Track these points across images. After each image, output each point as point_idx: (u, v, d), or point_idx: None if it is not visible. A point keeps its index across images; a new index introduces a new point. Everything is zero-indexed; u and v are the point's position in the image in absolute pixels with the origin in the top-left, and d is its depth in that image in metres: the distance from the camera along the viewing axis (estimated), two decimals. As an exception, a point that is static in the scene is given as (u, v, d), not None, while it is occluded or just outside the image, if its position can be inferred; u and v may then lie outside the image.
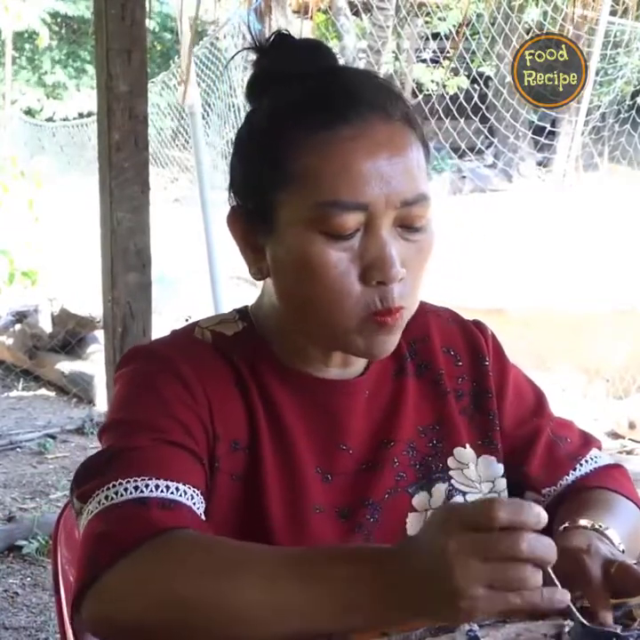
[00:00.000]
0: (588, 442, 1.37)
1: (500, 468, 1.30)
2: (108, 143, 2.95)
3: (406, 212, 1.11)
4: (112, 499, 1.07)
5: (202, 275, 5.27)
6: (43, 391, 6.29)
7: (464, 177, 11.88)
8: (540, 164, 11.88)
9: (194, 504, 1.09)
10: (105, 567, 1.02)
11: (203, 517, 1.11)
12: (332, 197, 1.09)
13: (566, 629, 1.06)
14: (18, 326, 6.53)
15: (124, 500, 1.06)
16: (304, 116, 1.12)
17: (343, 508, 1.21)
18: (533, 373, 1.47)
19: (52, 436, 5.31)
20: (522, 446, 1.33)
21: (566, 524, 1.21)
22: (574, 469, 1.34)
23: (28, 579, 3.64)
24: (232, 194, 1.20)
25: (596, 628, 1.05)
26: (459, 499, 1.26)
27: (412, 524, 1.24)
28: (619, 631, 1.05)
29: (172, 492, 1.07)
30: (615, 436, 5.20)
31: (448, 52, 9.42)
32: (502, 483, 1.30)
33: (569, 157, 8.69)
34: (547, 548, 0.90)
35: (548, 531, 0.94)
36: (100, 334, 5.46)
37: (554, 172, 10.61)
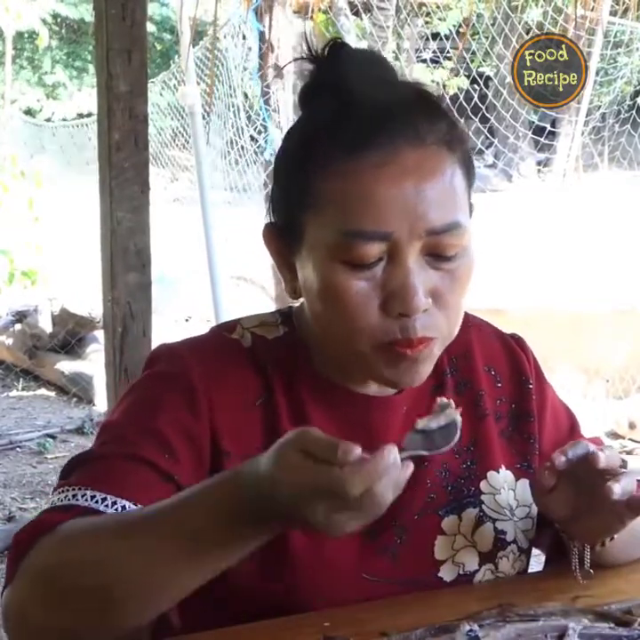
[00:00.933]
0: (594, 439, 1.37)
1: None
2: (108, 143, 2.94)
3: (436, 241, 1.08)
4: (61, 501, 1.09)
5: (202, 275, 5.26)
6: (42, 391, 6.30)
7: (464, 177, 11.88)
8: (540, 164, 11.88)
9: None
10: (15, 570, 1.04)
11: None
12: (354, 227, 1.07)
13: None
14: (18, 326, 6.54)
15: (55, 506, 1.09)
16: (329, 136, 1.09)
17: (370, 528, 1.15)
18: (533, 373, 1.46)
19: (52, 436, 5.32)
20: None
21: None
22: None
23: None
24: (269, 210, 1.19)
25: None
26: (488, 526, 1.24)
27: (440, 548, 1.22)
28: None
29: (106, 505, 1.07)
30: (615, 436, 5.21)
31: (448, 52, 9.41)
32: (536, 509, 1.27)
33: (569, 157, 8.69)
34: (391, 470, 0.90)
35: None
36: (99, 334, 5.46)
37: (554, 173, 10.61)
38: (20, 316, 6.55)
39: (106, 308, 3.04)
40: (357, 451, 0.90)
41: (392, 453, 0.90)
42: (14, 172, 7.56)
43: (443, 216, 1.08)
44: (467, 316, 1.28)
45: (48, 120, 14.60)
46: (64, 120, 14.19)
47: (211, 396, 1.15)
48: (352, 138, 1.07)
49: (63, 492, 1.09)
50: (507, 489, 1.25)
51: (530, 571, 1.32)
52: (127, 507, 1.07)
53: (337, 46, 1.15)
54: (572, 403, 1.42)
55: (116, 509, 1.07)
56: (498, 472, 1.25)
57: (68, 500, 1.08)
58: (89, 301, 5.90)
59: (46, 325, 6.37)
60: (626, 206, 7.59)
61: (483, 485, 1.25)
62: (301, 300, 1.19)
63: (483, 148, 11.20)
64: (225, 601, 1.15)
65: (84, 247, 6.54)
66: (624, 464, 1.15)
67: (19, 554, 1.05)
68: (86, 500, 1.07)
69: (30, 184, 7.56)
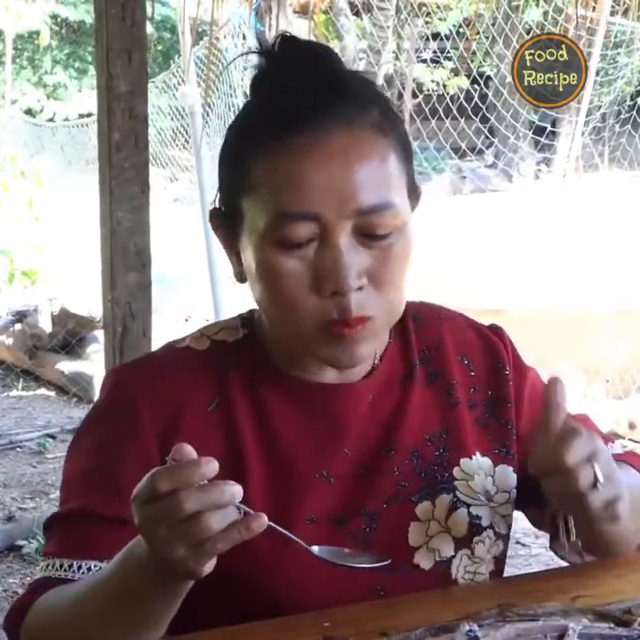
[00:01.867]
0: (603, 436, 1.37)
1: (515, 478, 1.28)
2: (109, 143, 2.95)
3: (366, 221, 1.11)
4: (42, 570, 1.19)
5: (202, 275, 5.26)
6: (42, 391, 6.30)
7: (464, 177, 11.89)
8: (540, 164, 11.88)
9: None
10: None
11: None
12: (281, 208, 1.10)
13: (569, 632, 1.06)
14: (18, 326, 6.54)
15: (40, 578, 1.18)
16: (260, 123, 1.13)
17: (338, 515, 1.20)
18: (533, 373, 1.46)
19: (52, 436, 5.32)
20: None
21: None
22: None
23: (28, 578, 3.64)
24: (216, 196, 1.22)
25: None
26: (462, 511, 1.24)
27: (414, 534, 1.22)
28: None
29: (73, 571, 1.16)
30: (615, 436, 5.20)
31: (448, 52, 9.41)
32: (515, 494, 1.28)
33: (569, 158, 8.69)
34: (214, 493, 0.95)
35: None
36: (100, 334, 5.45)
37: (554, 173, 10.61)
38: (20, 316, 6.55)
39: (106, 308, 3.04)
40: (188, 449, 0.98)
41: (209, 465, 0.96)
42: (14, 172, 7.56)
43: (372, 197, 1.11)
44: (439, 308, 1.33)
45: (50, 120, 14.60)
46: (66, 120, 14.18)
47: (158, 416, 1.19)
48: (282, 121, 1.11)
49: (44, 560, 1.20)
50: (483, 475, 1.26)
51: (530, 571, 1.32)
52: (91, 567, 1.16)
53: (285, 40, 1.18)
54: (571, 403, 1.42)
55: (83, 572, 1.16)
56: (471, 459, 1.26)
57: (49, 570, 1.18)
58: (89, 301, 5.90)
59: (46, 325, 6.37)
60: (626, 207, 7.59)
61: (456, 472, 1.25)
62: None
63: (483, 148, 11.22)
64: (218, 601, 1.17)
65: (83, 247, 6.54)
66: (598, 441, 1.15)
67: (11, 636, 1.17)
68: (56, 569, 1.17)
69: (30, 184, 7.56)
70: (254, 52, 1.19)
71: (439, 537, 1.23)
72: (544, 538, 3.36)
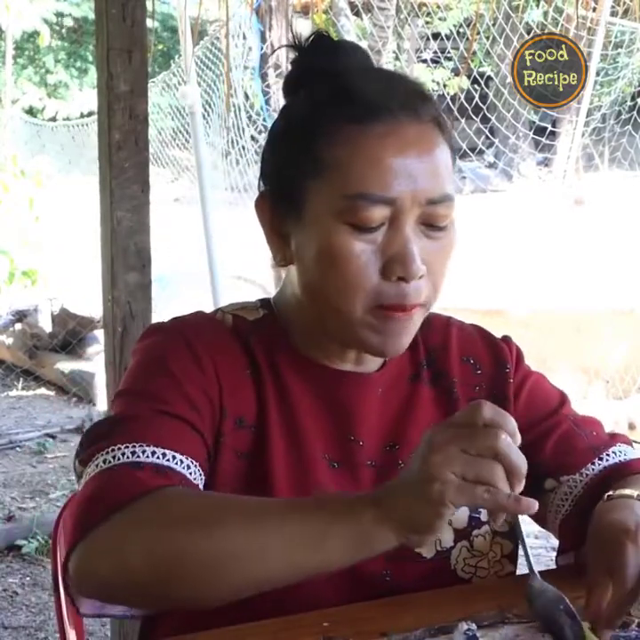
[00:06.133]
0: (614, 436, 1.38)
1: None
2: (109, 143, 2.94)
3: (431, 211, 1.14)
4: (109, 462, 1.10)
5: (202, 275, 5.27)
6: (43, 391, 6.30)
7: (464, 177, 11.88)
8: (540, 164, 11.87)
9: (190, 473, 1.12)
10: (95, 524, 1.05)
11: (199, 486, 1.14)
12: (361, 190, 1.12)
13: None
14: (18, 326, 6.54)
15: (120, 464, 1.09)
16: (339, 108, 1.15)
17: None
18: (533, 374, 1.46)
19: (52, 436, 5.32)
20: (534, 443, 1.31)
21: (610, 493, 1.22)
22: (601, 459, 1.32)
23: (28, 578, 3.65)
24: (261, 181, 1.24)
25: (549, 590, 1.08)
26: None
27: None
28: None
29: (167, 460, 1.11)
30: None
31: (449, 52, 9.41)
32: None
33: (569, 158, 8.68)
34: (520, 456, 0.97)
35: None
36: (100, 334, 5.46)
37: (554, 173, 10.61)
38: (20, 316, 6.55)
39: (106, 307, 3.04)
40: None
41: (517, 435, 0.98)
42: (15, 172, 7.56)
43: (439, 187, 1.15)
44: (449, 318, 1.37)
45: (52, 119, 14.59)
46: (67, 120, 14.18)
47: (213, 360, 1.20)
48: (358, 110, 1.14)
49: (114, 450, 1.11)
50: None
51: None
52: (183, 460, 1.11)
53: (320, 37, 1.23)
54: (571, 403, 1.42)
55: (176, 463, 1.11)
56: None
57: (128, 457, 1.10)
58: (89, 301, 5.90)
59: (46, 325, 6.37)
60: (626, 207, 7.59)
61: None
62: (289, 272, 1.24)
63: (483, 148, 11.20)
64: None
65: (84, 247, 6.55)
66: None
67: (111, 503, 1.05)
68: (148, 456, 1.10)
69: (31, 183, 7.56)
70: (290, 46, 1.24)
71: None
72: (544, 538, 3.36)
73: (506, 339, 1.39)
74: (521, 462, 0.97)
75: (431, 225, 1.15)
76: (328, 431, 1.24)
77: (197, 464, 1.14)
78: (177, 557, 1.02)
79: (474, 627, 1.06)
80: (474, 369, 1.34)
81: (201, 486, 1.14)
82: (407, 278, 1.13)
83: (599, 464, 1.32)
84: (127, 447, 1.11)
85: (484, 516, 1.28)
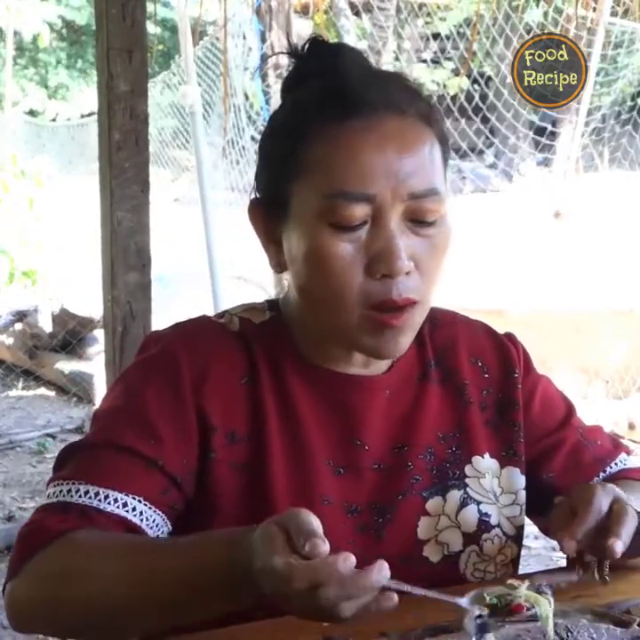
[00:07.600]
0: (617, 446, 1.39)
1: (523, 480, 1.30)
2: (109, 143, 2.95)
3: (416, 206, 1.13)
4: (50, 496, 1.16)
5: (202, 275, 5.26)
6: (43, 391, 6.30)
7: (464, 177, 11.88)
8: (540, 164, 11.87)
9: (127, 511, 1.13)
10: (20, 566, 1.11)
11: (141, 520, 1.14)
12: (339, 188, 1.11)
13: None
14: (18, 326, 6.54)
15: (53, 503, 1.15)
16: (317, 109, 1.15)
17: (351, 505, 1.22)
18: (533, 374, 1.46)
19: (52, 436, 5.32)
20: (544, 455, 1.33)
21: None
22: (604, 471, 1.35)
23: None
24: (254, 188, 1.23)
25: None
26: (473, 507, 1.26)
27: (423, 529, 1.25)
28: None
29: (99, 500, 1.13)
30: (615, 436, 5.20)
31: (449, 52, 9.41)
32: (523, 495, 1.30)
33: (569, 158, 8.68)
34: (353, 590, 0.91)
35: None
36: (100, 334, 5.46)
37: (554, 173, 10.60)
38: (20, 316, 6.55)
39: (106, 308, 3.04)
40: (324, 548, 0.90)
41: (347, 561, 0.91)
42: (15, 172, 7.56)
43: (423, 182, 1.14)
44: (454, 313, 1.35)
45: (53, 120, 14.59)
46: (68, 120, 14.18)
47: (197, 378, 1.19)
48: (338, 107, 1.13)
49: (58, 485, 1.15)
50: (491, 476, 1.28)
51: (530, 571, 1.32)
52: (118, 498, 1.13)
53: (317, 41, 1.22)
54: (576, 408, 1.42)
55: (109, 502, 1.13)
56: (482, 457, 1.28)
57: (63, 495, 1.14)
58: (89, 301, 5.90)
59: (46, 325, 6.37)
60: (626, 207, 7.59)
61: (467, 469, 1.27)
62: (286, 273, 1.23)
63: (483, 148, 11.20)
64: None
65: (84, 247, 6.55)
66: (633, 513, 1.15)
67: (23, 553, 1.11)
68: (80, 496, 1.13)
69: (31, 184, 7.56)
70: (285, 53, 1.24)
71: (449, 531, 1.25)
72: (544, 539, 3.36)
73: (511, 337, 1.36)
74: (353, 591, 0.92)
75: (419, 221, 1.14)
76: (332, 436, 1.23)
77: (142, 498, 1.14)
78: (52, 608, 1.08)
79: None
80: (482, 372, 1.32)
81: (158, 518, 1.16)
82: (392, 275, 1.12)
83: (603, 475, 1.35)
84: (67, 483, 1.15)
85: (493, 519, 1.27)
